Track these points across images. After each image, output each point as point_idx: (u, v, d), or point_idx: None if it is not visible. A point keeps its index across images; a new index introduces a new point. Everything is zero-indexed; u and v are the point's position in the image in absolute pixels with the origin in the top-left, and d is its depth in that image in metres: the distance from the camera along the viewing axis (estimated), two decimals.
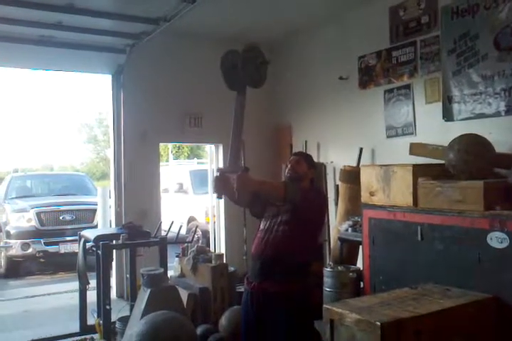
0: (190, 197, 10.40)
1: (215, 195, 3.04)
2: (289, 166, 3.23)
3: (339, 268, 4.20)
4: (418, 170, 3.49)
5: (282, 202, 3.02)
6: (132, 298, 4.77)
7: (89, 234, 4.88)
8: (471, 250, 3.03)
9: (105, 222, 7.81)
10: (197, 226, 5.60)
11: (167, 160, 15.89)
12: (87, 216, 8.91)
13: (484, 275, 2.96)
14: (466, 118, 4.32)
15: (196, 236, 5.30)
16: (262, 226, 3.18)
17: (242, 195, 3.01)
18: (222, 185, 2.94)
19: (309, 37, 6.35)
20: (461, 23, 4.35)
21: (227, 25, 6.05)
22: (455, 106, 4.42)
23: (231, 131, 2.98)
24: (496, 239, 2.89)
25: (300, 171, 3.20)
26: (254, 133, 6.60)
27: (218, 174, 3.00)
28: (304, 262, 3.08)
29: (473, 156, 3.30)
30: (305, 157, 3.33)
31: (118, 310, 4.59)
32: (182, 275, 4.91)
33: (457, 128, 4.14)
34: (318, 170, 6.04)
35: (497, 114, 4.08)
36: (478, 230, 3.00)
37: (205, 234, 8.45)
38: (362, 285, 3.95)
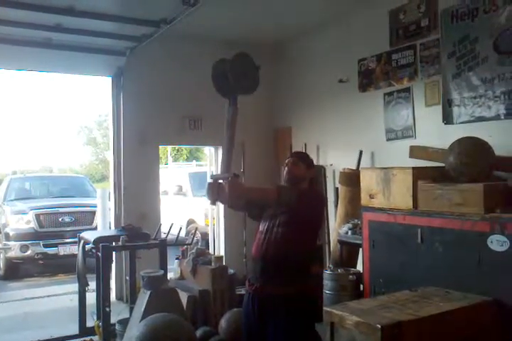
0: (190, 199, 10.41)
1: (208, 202, 3.01)
2: (286, 169, 3.17)
3: (339, 270, 4.19)
4: (418, 173, 3.50)
5: (277, 206, 3.02)
6: (132, 300, 4.77)
7: (89, 235, 4.88)
8: (471, 253, 3.04)
9: (105, 223, 7.81)
10: (196, 229, 5.58)
11: (166, 163, 15.91)
12: (86, 218, 8.91)
13: (484, 278, 2.96)
14: (466, 122, 4.32)
15: (196, 238, 5.29)
16: (260, 228, 3.17)
17: (235, 200, 3.02)
18: (215, 190, 2.90)
19: (310, 40, 6.36)
20: (461, 27, 4.36)
21: (228, 28, 6.07)
22: (455, 110, 4.43)
23: (224, 138, 3.00)
24: (497, 242, 2.89)
25: (298, 173, 3.14)
26: (253, 136, 6.62)
27: (211, 180, 2.98)
28: (305, 264, 3.07)
29: (473, 159, 3.31)
30: (302, 157, 3.26)
31: (117, 312, 4.59)
32: (182, 277, 4.90)
33: (457, 132, 4.14)
34: (317, 173, 6.06)
35: (497, 117, 4.08)
36: (478, 233, 3.00)
37: (204, 236, 8.45)
38: (362, 288, 3.95)
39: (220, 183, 2.89)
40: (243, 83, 2.93)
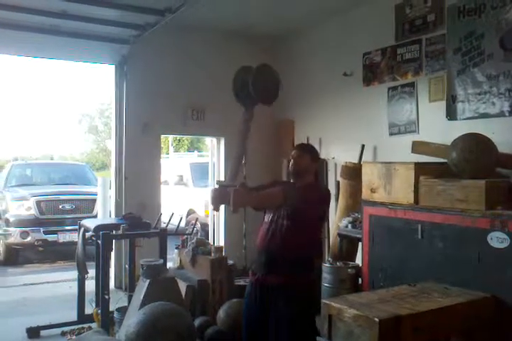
0: (190, 189, 10.41)
1: (211, 207, 2.99)
2: (291, 161, 3.21)
3: (338, 264, 4.22)
4: (420, 168, 3.50)
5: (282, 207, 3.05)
6: (131, 288, 4.79)
7: (89, 223, 4.88)
8: (471, 249, 3.05)
9: (105, 212, 7.82)
10: (197, 219, 5.59)
11: (167, 153, 15.89)
12: (86, 206, 8.93)
13: (483, 274, 2.98)
14: (470, 118, 4.32)
15: (195, 228, 5.30)
16: (266, 219, 3.20)
17: (238, 208, 3.05)
18: (220, 197, 2.90)
19: (314, 32, 6.33)
20: (468, 22, 4.34)
21: (232, 19, 6.04)
22: (459, 106, 4.42)
23: (236, 146, 3.05)
24: (497, 239, 2.90)
25: (303, 165, 3.17)
26: (256, 128, 6.53)
27: (217, 187, 2.98)
28: (308, 256, 3.09)
29: (475, 156, 3.31)
30: (307, 150, 3.28)
31: (116, 300, 4.61)
32: (181, 267, 4.93)
33: (460, 128, 4.14)
34: (319, 166, 6.07)
35: (501, 114, 4.08)
36: (478, 229, 3.01)
37: (204, 227, 8.46)
38: (360, 282, 3.97)
39: (225, 190, 2.88)
40: (263, 95, 2.94)
